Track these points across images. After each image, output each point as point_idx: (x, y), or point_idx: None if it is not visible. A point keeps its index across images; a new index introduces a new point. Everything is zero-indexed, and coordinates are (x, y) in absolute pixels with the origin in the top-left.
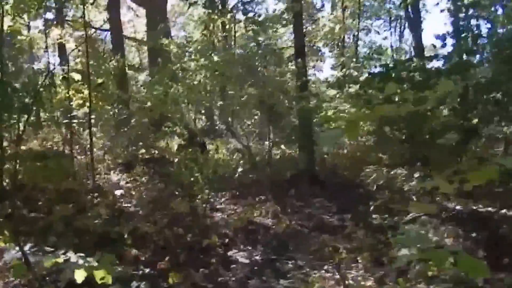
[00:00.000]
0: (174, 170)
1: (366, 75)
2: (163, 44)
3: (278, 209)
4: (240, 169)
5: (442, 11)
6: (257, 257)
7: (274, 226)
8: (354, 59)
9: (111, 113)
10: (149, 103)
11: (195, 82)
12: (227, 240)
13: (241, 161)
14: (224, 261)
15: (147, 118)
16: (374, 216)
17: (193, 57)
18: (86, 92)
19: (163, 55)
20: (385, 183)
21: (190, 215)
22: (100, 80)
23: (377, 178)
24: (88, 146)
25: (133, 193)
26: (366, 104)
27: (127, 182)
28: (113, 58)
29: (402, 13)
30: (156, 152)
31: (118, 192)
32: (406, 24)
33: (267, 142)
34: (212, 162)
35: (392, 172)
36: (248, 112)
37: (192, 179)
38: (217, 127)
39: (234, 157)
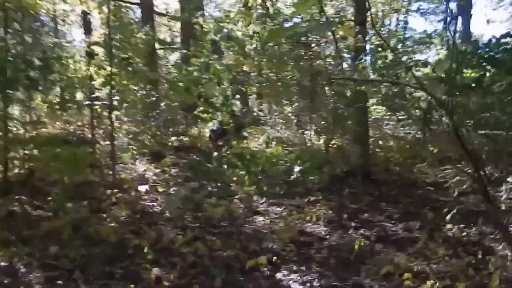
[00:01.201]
0: (212, 166)
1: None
2: (197, 18)
3: (331, 214)
4: (297, 169)
5: None
6: (315, 283)
7: (329, 237)
8: (401, 43)
9: (138, 94)
10: (181, 84)
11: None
12: (274, 257)
13: (297, 159)
14: None
15: (179, 102)
16: (449, 226)
17: (238, 25)
18: (109, 68)
19: (197, 32)
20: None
21: (226, 219)
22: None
23: (460, 182)
24: (116, 131)
25: (160, 189)
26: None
27: (154, 174)
28: (141, 31)
29: None
30: (187, 139)
31: (142, 188)
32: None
33: (308, 132)
34: (263, 159)
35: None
36: (289, 97)
37: (235, 178)
38: (255, 114)
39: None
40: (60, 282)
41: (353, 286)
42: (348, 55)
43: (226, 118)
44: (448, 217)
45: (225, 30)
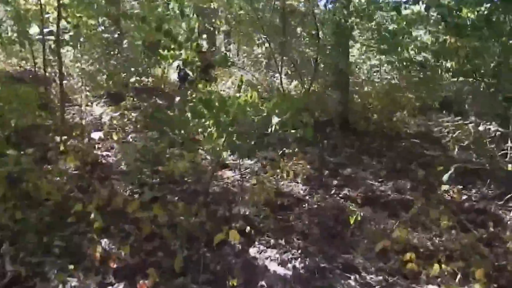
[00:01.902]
0: (174, 114)
1: None
2: None
3: (310, 170)
4: (275, 119)
5: None
6: (298, 264)
7: (309, 198)
8: None
9: (99, 29)
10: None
11: None
12: (247, 227)
13: (275, 107)
14: (246, 271)
15: (141, 39)
16: (445, 187)
17: None
18: None
19: None
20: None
21: (191, 174)
22: None
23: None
24: (70, 70)
25: (116, 137)
26: (455, 29)
27: (111, 118)
28: None
29: None
30: (149, 80)
31: (96, 135)
32: None
33: (277, 75)
34: (234, 106)
35: (481, 128)
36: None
37: (200, 130)
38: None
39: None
40: None
41: (343, 268)
42: None
43: (192, 56)
44: (445, 177)
45: None
